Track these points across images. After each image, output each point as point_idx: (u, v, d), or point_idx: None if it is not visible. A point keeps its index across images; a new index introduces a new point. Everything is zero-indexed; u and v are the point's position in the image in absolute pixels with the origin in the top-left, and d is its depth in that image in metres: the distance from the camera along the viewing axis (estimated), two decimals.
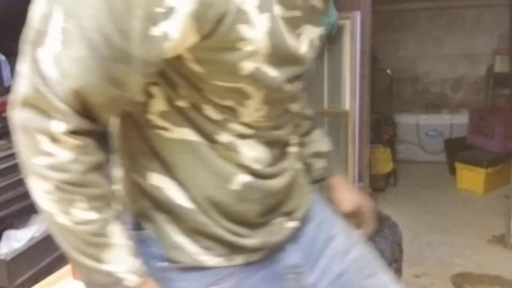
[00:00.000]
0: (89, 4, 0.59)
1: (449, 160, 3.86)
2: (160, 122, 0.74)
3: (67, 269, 1.69)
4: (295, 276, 0.90)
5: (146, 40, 0.61)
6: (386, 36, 4.28)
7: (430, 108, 4.36)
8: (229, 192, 0.77)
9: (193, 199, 0.77)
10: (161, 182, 0.77)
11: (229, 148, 0.76)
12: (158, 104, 0.73)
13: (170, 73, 0.70)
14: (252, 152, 0.78)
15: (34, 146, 0.64)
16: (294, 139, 0.90)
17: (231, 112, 0.73)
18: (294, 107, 0.86)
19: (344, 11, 2.54)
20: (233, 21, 0.64)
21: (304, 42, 0.77)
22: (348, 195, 1.09)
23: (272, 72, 0.71)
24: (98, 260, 0.70)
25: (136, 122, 0.76)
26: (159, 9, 0.59)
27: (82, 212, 0.67)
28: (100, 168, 0.68)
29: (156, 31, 0.60)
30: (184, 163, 0.75)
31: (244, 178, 0.78)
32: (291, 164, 0.88)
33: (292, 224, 0.89)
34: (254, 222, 0.82)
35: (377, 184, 3.47)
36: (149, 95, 0.73)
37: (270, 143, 0.80)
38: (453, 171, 3.67)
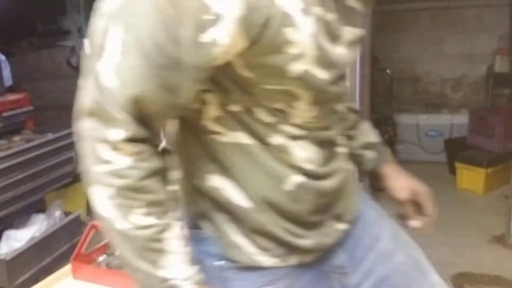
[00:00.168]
0: (144, 17, 0.63)
1: (449, 160, 3.86)
2: (214, 127, 0.77)
3: (67, 269, 1.69)
4: (339, 276, 0.92)
5: (196, 47, 0.64)
6: (386, 36, 4.27)
7: (430, 108, 4.35)
8: (283, 192, 0.80)
9: (250, 199, 0.79)
10: (219, 184, 0.79)
11: (281, 150, 0.78)
12: (212, 110, 0.76)
13: (222, 79, 0.73)
14: (304, 153, 0.80)
15: (95, 155, 0.68)
16: (342, 140, 0.91)
17: (282, 114, 0.76)
18: (340, 107, 0.88)
19: None
20: (279, 24, 0.66)
21: (344, 43, 0.78)
22: (403, 182, 1.07)
23: (320, 74, 0.73)
24: (154, 266, 0.71)
25: (192, 128, 0.79)
26: (206, 17, 0.62)
27: (140, 218, 0.69)
28: (157, 174, 0.71)
29: (205, 37, 0.63)
30: (240, 165, 0.78)
31: (297, 178, 0.80)
32: (342, 165, 0.90)
33: (342, 227, 0.91)
34: (308, 222, 0.84)
35: (377, 184, 3.46)
36: (203, 102, 0.76)
37: (321, 144, 0.82)
38: (453, 171, 3.67)
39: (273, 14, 0.65)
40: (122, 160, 0.67)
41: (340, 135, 0.90)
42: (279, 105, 0.75)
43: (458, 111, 4.17)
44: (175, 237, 0.73)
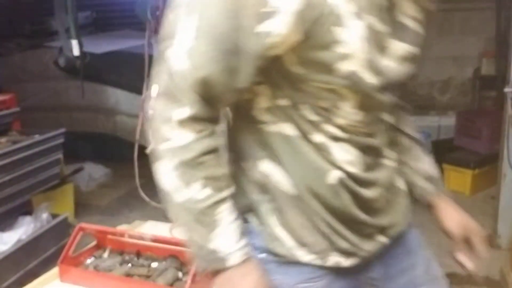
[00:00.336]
0: (216, 7, 0.72)
1: (436, 161, 3.86)
2: (263, 117, 0.83)
3: (54, 272, 1.67)
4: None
5: (253, 36, 0.72)
6: None
7: (418, 110, 4.38)
8: (325, 185, 0.83)
9: (296, 187, 0.83)
10: (268, 169, 0.84)
11: (322, 148, 0.82)
12: (262, 102, 0.83)
13: (274, 74, 0.80)
14: (345, 155, 0.83)
15: (162, 133, 0.77)
16: (391, 154, 0.92)
17: (326, 113, 0.80)
18: (387, 117, 0.89)
19: None
20: (328, 23, 0.72)
21: (393, 56, 0.82)
22: (456, 217, 1.05)
23: (369, 78, 0.77)
24: (206, 237, 0.79)
25: (244, 117, 0.86)
26: (264, 10, 0.71)
27: (198, 190, 0.77)
28: (216, 152, 0.79)
29: (261, 28, 0.72)
30: (286, 153, 0.83)
31: (338, 173, 0.83)
32: (387, 178, 0.90)
33: (383, 239, 0.92)
34: (350, 222, 0.86)
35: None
36: (255, 93, 0.83)
37: (363, 149, 0.84)
38: (440, 172, 3.70)
39: (325, 12, 0.72)
40: (187, 136, 0.76)
41: (387, 147, 0.90)
42: (325, 104, 0.80)
43: (445, 113, 4.20)
44: (228, 212, 0.79)
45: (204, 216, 0.78)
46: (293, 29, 0.72)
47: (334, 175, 0.82)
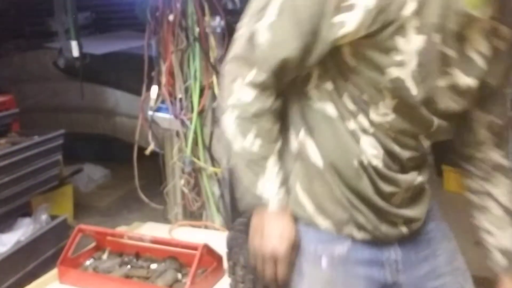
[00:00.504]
0: None
1: (436, 162, 3.89)
2: (311, 94, 0.92)
3: (53, 273, 1.67)
4: (392, 270, 0.98)
5: (330, 25, 0.81)
6: None
7: None
8: (350, 166, 0.91)
9: (323, 160, 0.92)
10: (305, 139, 0.94)
11: (353, 134, 0.90)
12: (312, 81, 0.92)
13: (329, 60, 0.88)
14: (371, 148, 0.90)
15: (232, 88, 0.89)
16: (414, 174, 0.97)
17: (364, 105, 0.88)
18: (427, 143, 0.97)
19: None
20: (395, 31, 0.80)
21: (451, 84, 0.87)
22: None
23: (412, 88, 0.84)
24: (253, 183, 0.90)
25: (296, 92, 0.94)
26: (343, 3, 0.80)
27: (251, 141, 0.89)
28: (274, 112, 0.91)
29: (337, 19, 0.81)
30: (321, 129, 0.92)
31: (364, 160, 0.90)
32: (408, 184, 0.95)
33: (404, 230, 0.98)
34: (370, 203, 0.92)
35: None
36: (309, 73, 0.92)
37: (387, 151, 0.91)
38: (440, 173, 3.70)
39: (395, 21, 0.79)
40: (252, 95, 0.87)
41: (411, 165, 0.95)
42: (365, 97, 0.87)
43: None
44: (274, 163, 0.91)
45: (253, 165, 0.90)
46: (364, 26, 0.79)
47: (359, 160, 0.90)
